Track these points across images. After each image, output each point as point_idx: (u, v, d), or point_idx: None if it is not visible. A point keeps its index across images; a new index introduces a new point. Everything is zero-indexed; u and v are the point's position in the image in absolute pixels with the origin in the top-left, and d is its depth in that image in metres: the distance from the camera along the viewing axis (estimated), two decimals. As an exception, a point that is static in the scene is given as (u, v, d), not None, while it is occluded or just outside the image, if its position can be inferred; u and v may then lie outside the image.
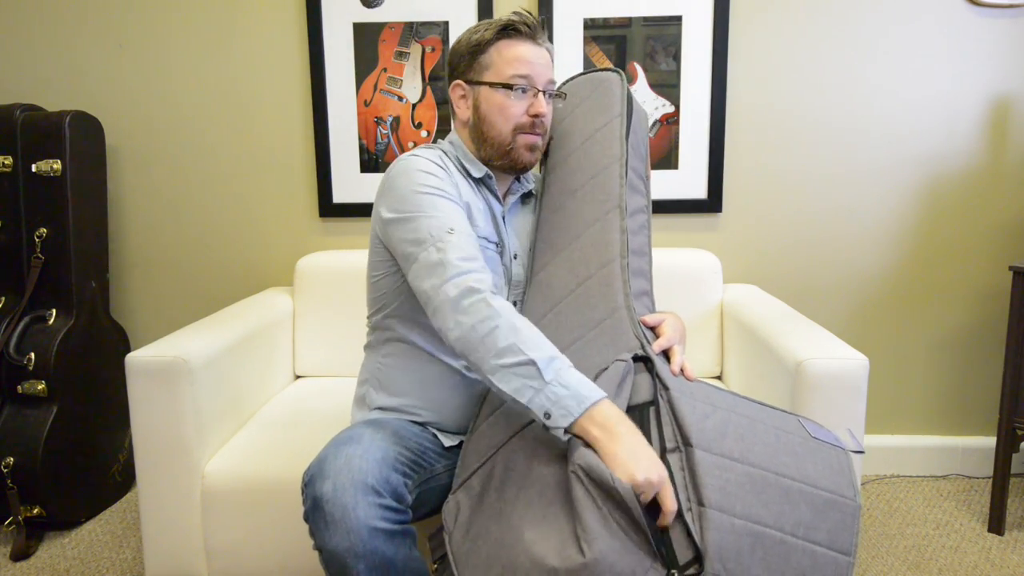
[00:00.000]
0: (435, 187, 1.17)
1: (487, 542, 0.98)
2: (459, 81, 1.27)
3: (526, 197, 1.39)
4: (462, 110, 1.28)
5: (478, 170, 1.28)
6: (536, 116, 1.23)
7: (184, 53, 2.08)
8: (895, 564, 1.71)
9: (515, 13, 1.25)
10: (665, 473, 0.94)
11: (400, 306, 1.27)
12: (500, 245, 1.29)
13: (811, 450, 1.02)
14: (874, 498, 2.03)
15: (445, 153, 1.29)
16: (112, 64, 2.09)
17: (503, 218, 1.30)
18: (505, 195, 1.34)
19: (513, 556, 0.94)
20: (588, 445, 0.96)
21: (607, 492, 0.89)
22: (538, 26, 1.24)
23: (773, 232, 2.10)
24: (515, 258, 1.31)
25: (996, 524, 1.83)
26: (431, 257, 1.10)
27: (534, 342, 1.02)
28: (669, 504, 0.92)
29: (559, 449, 1.02)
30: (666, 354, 1.14)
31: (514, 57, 1.22)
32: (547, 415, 0.99)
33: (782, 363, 1.44)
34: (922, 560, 1.73)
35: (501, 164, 1.26)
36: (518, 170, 1.28)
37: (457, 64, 1.27)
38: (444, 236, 1.11)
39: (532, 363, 1.00)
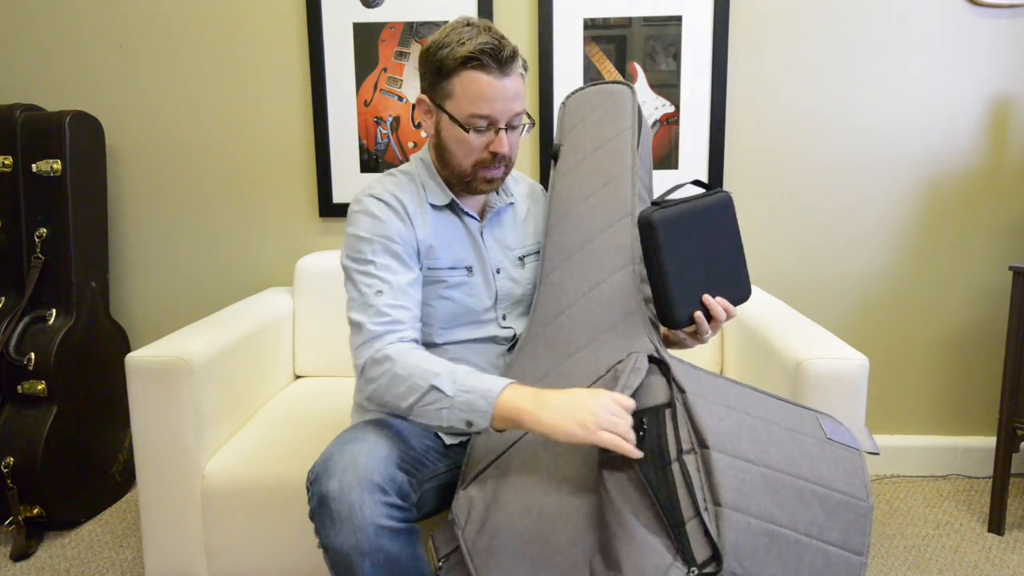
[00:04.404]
0: (380, 235, 1.17)
1: (510, 538, 1.00)
2: (423, 96, 1.20)
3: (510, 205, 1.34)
4: (427, 125, 1.22)
5: (442, 198, 1.24)
6: (496, 154, 1.17)
7: (184, 53, 2.08)
8: (895, 564, 1.72)
9: (487, 39, 1.11)
10: (610, 404, 0.96)
11: None
12: (476, 266, 1.26)
13: (825, 451, 1.03)
14: (874, 498, 2.03)
15: (413, 179, 1.25)
16: (112, 64, 2.09)
17: (481, 234, 1.27)
18: (483, 209, 1.30)
19: (544, 553, 0.96)
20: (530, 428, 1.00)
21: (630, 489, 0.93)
22: (509, 57, 1.12)
23: (773, 232, 2.10)
24: (498, 272, 1.27)
25: (996, 524, 1.84)
26: (355, 317, 1.14)
27: (426, 370, 1.05)
28: (625, 449, 0.94)
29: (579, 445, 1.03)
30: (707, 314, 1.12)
31: (477, 94, 1.12)
32: (469, 424, 1.02)
33: (782, 363, 1.44)
34: (922, 560, 1.73)
35: (461, 189, 1.24)
36: (478, 195, 1.27)
37: (423, 74, 1.18)
38: (370, 297, 1.13)
39: (432, 389, 1.03)
